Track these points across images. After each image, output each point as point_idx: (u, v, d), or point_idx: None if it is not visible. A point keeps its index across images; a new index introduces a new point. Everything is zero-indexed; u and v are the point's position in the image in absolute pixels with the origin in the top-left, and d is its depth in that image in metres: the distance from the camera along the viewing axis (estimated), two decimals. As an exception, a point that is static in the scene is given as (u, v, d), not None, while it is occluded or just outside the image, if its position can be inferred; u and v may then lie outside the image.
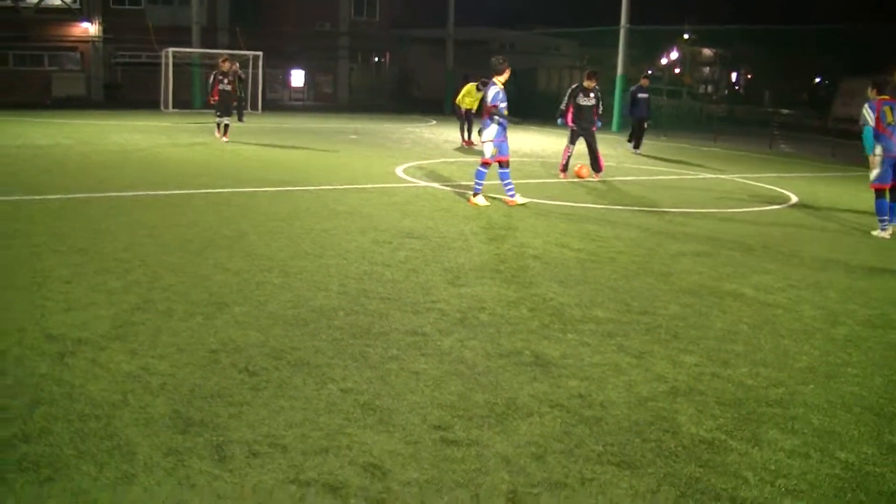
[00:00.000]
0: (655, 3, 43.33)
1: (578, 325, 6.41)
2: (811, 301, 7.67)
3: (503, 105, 11.82)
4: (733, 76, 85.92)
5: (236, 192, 12.35)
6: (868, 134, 11.55)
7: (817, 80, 70.52)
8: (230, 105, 21.14)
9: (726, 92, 78.54)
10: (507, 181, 12.21)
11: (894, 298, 8.02)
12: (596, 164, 16.37)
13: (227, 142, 20.11)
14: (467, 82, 23.42)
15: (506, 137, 12.08)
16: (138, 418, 4.39)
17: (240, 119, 24.62)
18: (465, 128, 23.21)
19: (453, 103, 24.42)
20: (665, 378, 5.37)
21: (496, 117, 11.84)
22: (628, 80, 35.24)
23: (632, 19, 34.78)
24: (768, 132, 30.89)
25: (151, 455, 3.99)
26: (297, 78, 48.79)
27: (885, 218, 11.74)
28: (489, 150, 12.03)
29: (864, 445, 4.57)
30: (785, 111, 49.34)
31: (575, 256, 8.89)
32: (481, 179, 12.19)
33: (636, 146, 23.49)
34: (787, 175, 19.61)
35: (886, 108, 11.57)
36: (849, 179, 20.21)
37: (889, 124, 11.55)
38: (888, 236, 11.57)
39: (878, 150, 11.58)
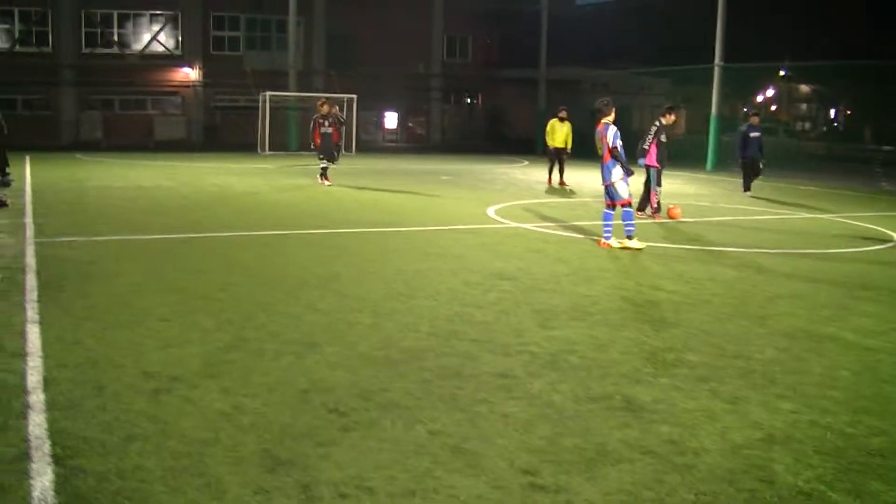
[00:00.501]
0: (749, 39, 42.67)
1: (671, 369, 6.28)
2: (916, 346, 7.38)
3: (620, 144, 11.79)
4: (832, 112, 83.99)
5: (330, 234, 12.54)
6: None
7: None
8: (332, 148, 21.14)
9: (824, 129, 76.82)
10: (609, 223, 12.06)
11: None
12: (648, 201, 16.02)
13: (329, 185, 20.29)
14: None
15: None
16: (229, 456, 4.45)
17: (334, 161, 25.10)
18: (557, 168, 23.05)
19: (545, 144, 24.12)
20: (761, 425, 5.21)
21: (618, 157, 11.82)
22: (723, 119, 34.77)
23: (726, 56, 34.34)
24: (869, 170, 30.05)
25: (241, 494, 4.03)
26: (391, 119, 49.50)
27: None
28: (625, 190, 11.90)
29: (973, 502, 4.36)
30: (887, 148, 47.95)
31: (668, 298, 8.75)
32: (630, 220, 11.98)
33: (746, 188, 22.21)
34: (889, 213, 18.99)
35: None
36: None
37: None
38: None
39: None
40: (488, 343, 6.74)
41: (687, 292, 9.11)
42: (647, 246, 12.13)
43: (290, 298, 8.16)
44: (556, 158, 22.96)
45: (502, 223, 14.22)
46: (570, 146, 22.83)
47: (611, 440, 4.86)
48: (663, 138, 15.53)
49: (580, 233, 13.29)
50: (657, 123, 15.63)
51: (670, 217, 15.64)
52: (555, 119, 23.12)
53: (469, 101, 53.63)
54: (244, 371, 5.87)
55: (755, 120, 22.42)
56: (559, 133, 22.76)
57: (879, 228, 15.95)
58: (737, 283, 9.81)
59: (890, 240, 14.33)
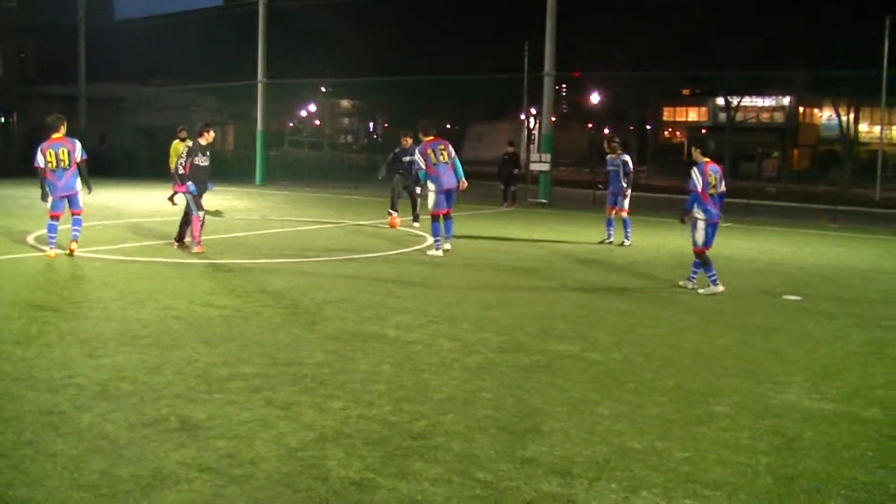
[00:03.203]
0: (294, 56, 44.15)
1: (225, 383, 6.35)
2: (448, 334, 8.16)
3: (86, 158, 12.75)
4: (370, 125, 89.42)
5: None
6: (423, 173, 14.03)
7: (448, 126, 75.35)
8: None
9: (366, 141, 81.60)
10: (54, 234, 12.71)
11: (522, 324, 8.73)
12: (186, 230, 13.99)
13: None
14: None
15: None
16: None
17: None
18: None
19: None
20: (313, 426, 5.46)
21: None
22: (270, 134, 35.56)
23: (270, 73, 35.18)
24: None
25: None
26: None
27: (440, 238, 13.96)
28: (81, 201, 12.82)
29: (500, 463, 4.93)
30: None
31: (220, 314, 8.79)
32: (79, 226, 12.79)
33: (415, 217, 18.80)
34: (422, 216, 20.62)
35: (430, 150, 13.88)
36: (477, 217, 21.72)
37: (435, 164, 13.85)
38: (447, 248, 14.06)
39: (432, 185, 13.92)
40: (31, 380, 6.31)
41: (238, 306, 9.24)
42: (205, 263, 12.18)
43: None
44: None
45: (44, 250, 13.34)
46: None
47: (168, 463, 4.81)
48: (200, 161, 13.50)
49: (127, 255, 12.90)
50: (189, 144, 13.90)
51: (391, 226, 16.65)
52: (176, 140, 22.67)
53: (3, 120, 49.58)
54: None
55: (407, 141, 18.44)
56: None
57: (415, 231, 17.34)
58: (287, 293, 10.14)
59: (424, 241, 15.60)
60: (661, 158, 61.98)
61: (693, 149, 11.39)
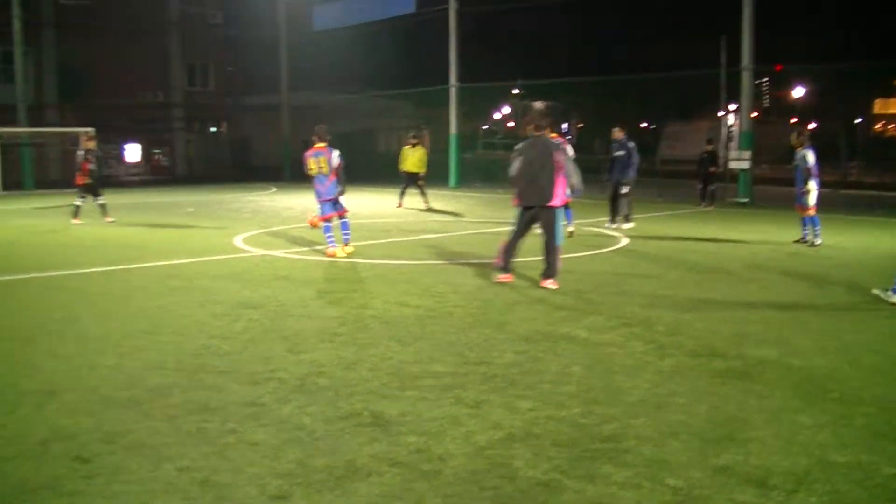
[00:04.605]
0: (484, 60, 44.63)
1: (417, 381, 6.48)
2: (641, 337, 8.00)
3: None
4: (564, 126, 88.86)
5: (69, 275, 11.92)
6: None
7: (643, 125, 74.01)
8: (91, 186, 19.76)
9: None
10: (330, 234, 13.49)
11: (716, 328, 8.45)
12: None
13: (80, 224, 19.05)
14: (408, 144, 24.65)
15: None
16: (-42, 520, 4.18)
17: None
18: (409, 191, 24.28)
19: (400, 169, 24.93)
20: (501, 425, 5.49)
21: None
22: (463, 137, 36.03)
23: (462, 77, 35.67)
24: (599, 178, 32.09)
25: (-28, 558, 3.80)
26: (133, 152, 47.56)
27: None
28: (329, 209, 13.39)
29: (691, 470, 4.78)
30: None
31: (413, 313, 8.99)
32: (348, 229, 13.80)
33: (612, 219, 18.69)
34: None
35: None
36: (674, 218, 21.20)
37: None
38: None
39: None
40: (236, 373, 6.68)
41: (431, 305, 9.41)
42: (399, 264, 12.50)
43: (27, 346, 7.71)
44: (409, 182, 24.11)
45: (250, 251, 14.06)
46: (423, 170, 24.22)
47: (360, 456, 4.95)
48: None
49: (326, 256, 13.39)
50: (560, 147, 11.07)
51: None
52: (406, 146, 24.65)
53: (213, 129, 52.64)
54: (-27, 427, 5.50)
55: (619, 134, 18.76)
56: (410, 158, 24.20)
57: (609, 233, 17.12)
58: (478, 294, 10.23)
59: (618, 242, 15.40)
60: (873, 153, 58.56)
61: None
